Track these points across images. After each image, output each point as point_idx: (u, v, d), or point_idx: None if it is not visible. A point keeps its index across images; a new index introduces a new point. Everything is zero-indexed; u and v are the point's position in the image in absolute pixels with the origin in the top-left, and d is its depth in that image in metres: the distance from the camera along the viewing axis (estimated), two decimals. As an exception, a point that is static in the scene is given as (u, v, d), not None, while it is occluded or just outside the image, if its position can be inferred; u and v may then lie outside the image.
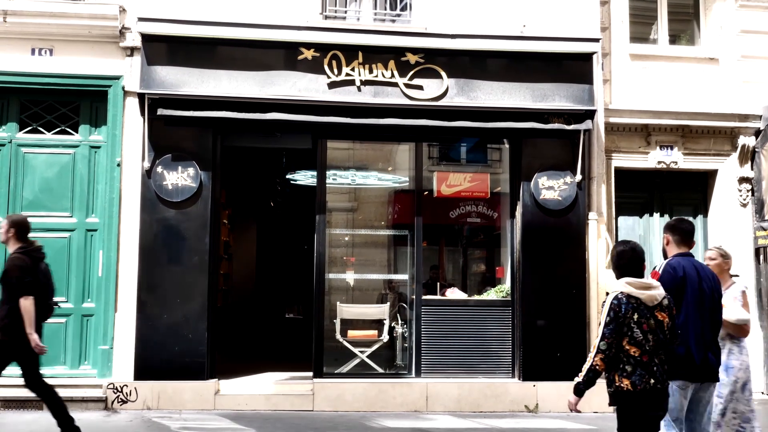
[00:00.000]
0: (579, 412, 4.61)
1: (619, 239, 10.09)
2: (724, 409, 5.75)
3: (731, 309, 5.65)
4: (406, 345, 9.06)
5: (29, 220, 6.55)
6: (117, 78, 8.67)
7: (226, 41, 8.48)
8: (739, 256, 10.08)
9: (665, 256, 5.20)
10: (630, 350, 4.32)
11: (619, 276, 4.49)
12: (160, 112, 8.31)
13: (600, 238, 9.19)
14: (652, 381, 4.31)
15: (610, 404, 4.52)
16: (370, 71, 8.66)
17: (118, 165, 8.62)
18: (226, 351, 10.94)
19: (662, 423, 4.64)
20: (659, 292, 4.41)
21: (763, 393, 9.96)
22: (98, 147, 8.82)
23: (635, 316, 4.31)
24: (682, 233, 5.08)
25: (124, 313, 8.44)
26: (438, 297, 9.14)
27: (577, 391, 4.46)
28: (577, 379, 4.45)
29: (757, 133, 10.14)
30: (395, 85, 8.69)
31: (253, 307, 14.75)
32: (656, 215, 10.47)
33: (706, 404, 4.97)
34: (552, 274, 8.95)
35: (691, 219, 8.76)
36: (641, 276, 4.45)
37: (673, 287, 4.70)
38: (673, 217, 5.72)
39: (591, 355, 4.41)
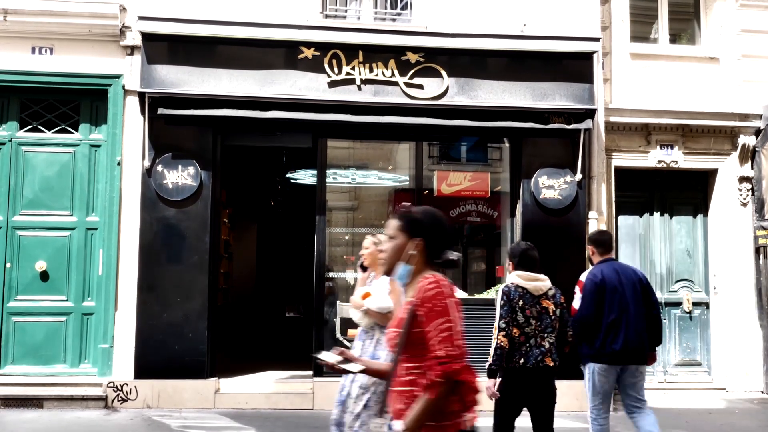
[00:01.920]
0: (497, 395, 5.13)
1: (619, 238, 10.14)
2: (368, 400, 5.36)
3: (375, 297, 5.47)
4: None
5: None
6: (117, 77, 8.68)
7: (226, 40, 8.48)
8: (739, 255, 10.14)
9: (592, 263, 6.00)
10: (513, 331, 5.01)
11: (514, 269, 5.24)
12: (161, 111, 8.31)
13: (600, 237, 9.18)
14: (522, 361, 5.00)
15: (490, 377, 5.12)
16: (371, 70, 8.67)
17: (119, 164, 8.63)
18: (226, 350, 10.95)
19: (588, 395, 5.64)
20: (545, 284, 5.17)
21: (762, 392, 9.97)
22: (98, 146, 8.82)
23: (521, 303, 5.07)
24: (603, 244, 5.92)
25: (124, 312, 8.45)
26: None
27: (490, 374, 5.05)
28: (488, 363, 5.03)
29: (758, 132, 10.14)
30: (395, 84, 8.69)
31: (253, 306, 14.75)
32: (656, 214, 10.48)
33: (634, 383, 5.69)
34: (552, 273, 8.82)
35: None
36: (532, 271, 5.16)
37: (594, 290, 5.60)
38: (594, 230, 6.47)
39: (494, 336, 5.03)
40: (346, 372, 3.18)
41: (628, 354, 5.58)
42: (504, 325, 5.03)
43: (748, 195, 10.22)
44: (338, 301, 9.08)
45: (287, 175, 12.42)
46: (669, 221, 10.51)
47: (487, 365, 5.05)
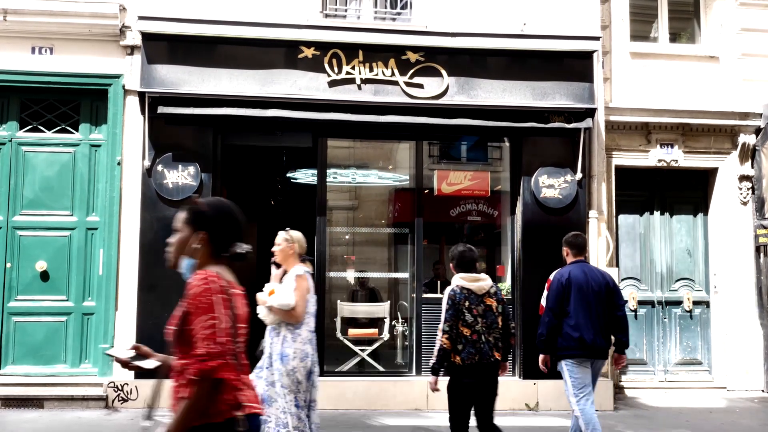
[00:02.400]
0: (438, 390, 5.41)
1: (620, 237, 10.14)
2: (295, 399, 5.41)
3: (278, 294, 5.49)
4: (407, 343, 9.07)
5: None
6: (117, 76, 8.68)
7: (226, 40, 8.48)
8: (739, 254, 10.14)
9: (565, 263, 6.33)
10: (463, 331, 5.30)
11: (456, 271, 5.53)
12: (161, 110, 8.31)
13: (600, 236, 9.19)
14: (477, 357, 5.28)
15: (447, 374, 5.39)
16: (371, 70, 8.66)
17: (119, 164, 8.63)
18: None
19: (572, 399, 5.93)
20: (487, 283, 5.48)
21: (763, 391, 9.98)
22: (99, 146, 8.82)
23: (467, 303, 5.34)
24: (576, 246, 6.32)
25: (124, 312, 8.45)
26: (439, 295, 9.12)
27: (433, 371, 5.38)
28: (432, 361, 5.35)
29: (758, 131, 10.14)
30: (395, 83, 8.69)
31: (252, 305, 14.73)
32: (657, 213, 10.48)
33: (595, 376, 6.09)
34: (552, 272, 8.93)
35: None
36: (471, 271, 5.49)
37: (560, 289, 5.97)
38: (571, 233, 6.59)
39: (438, 338, 5.32)
40: (140, 369, 3.13)
41: (595, 349, 5.95)
42: (447, 328, 5.30)
43: (748, 194, 10.22)
44: (338, 301, 9.09)
45: (287, 175, 12.40)
46: (669, 220, 10.51)
47: (431, 363, 5.39)
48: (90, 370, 8.59)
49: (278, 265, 5.80)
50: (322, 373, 8.63)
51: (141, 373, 3.11)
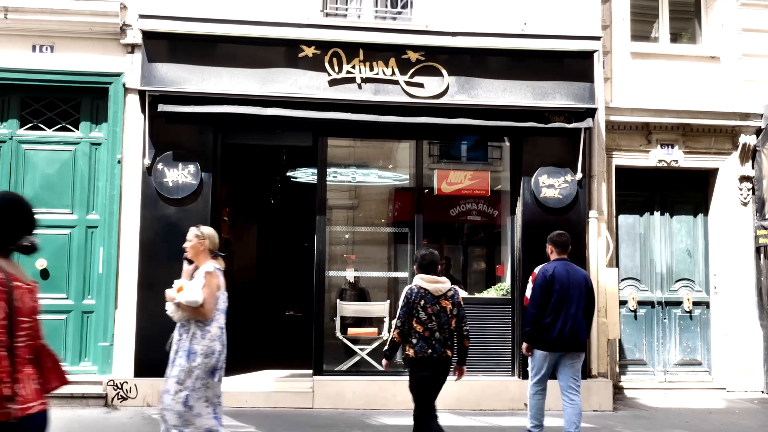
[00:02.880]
0: (389, 370, 6.19)
1: (620, 238, 10.14)
2: (186, 397, 5.39)
3: (186, 291, 5.45)
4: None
5: None
6: (118, 75, 8.68)
7: (226, 38, 8.48)
8: (739, 255, 10.14)
9: (549, 260, 6.75)
10: (416, 327, 5.73)
11: (417, 272, 5.91)
12: (161, 108, 8.31)
13: (600, 236, 9.19)
14: (429, 351, 5.71)
15: (405, 366, 5.96)
16: (371, 69, 8.66)
17: (119, 162, 8.63)
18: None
19: (529, 380, 6.64)
20: (444, 286, 5.84)
21: (763, 392, 9.98)
22: (99, 144, 8.82)
23: (422, 302, 5.73)
24: (561, 245, 6.71)
25: (124, 310, 8.45)
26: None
27: (385, 357, 6.02)
28: (385, 350, 6.01)
29: (758, 131, 10.14)
30: (396, 82, 8.68)
31: (253, 305, 14.73)
32: (657, 214, 10.48)
33: (570, 367, 6.55)
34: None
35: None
36: (432, 274, 5.85)
37: (543, 284, 6.43)
38: (555, 232, 6.93)
39: (392, 331, 5.84)
40: None
41: (562, 343, 6.43)
42: (399, 324, 5.79)
43: (748, 194, 10.22)
44: (338, 300, 9.08)
45: (287, 174, 12.41)
46: (669, 220, 10.51)
47: (384, 351, 6.05)
48: (89, 368, 8.59)
49: (190, 262, 5.71)
50: (321, 372, 8.69)
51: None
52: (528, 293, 6.89)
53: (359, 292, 9.48)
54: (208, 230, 5.76)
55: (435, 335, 5.73)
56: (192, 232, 5.71)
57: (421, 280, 5.83)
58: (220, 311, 5.63)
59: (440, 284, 5.84)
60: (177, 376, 5.44)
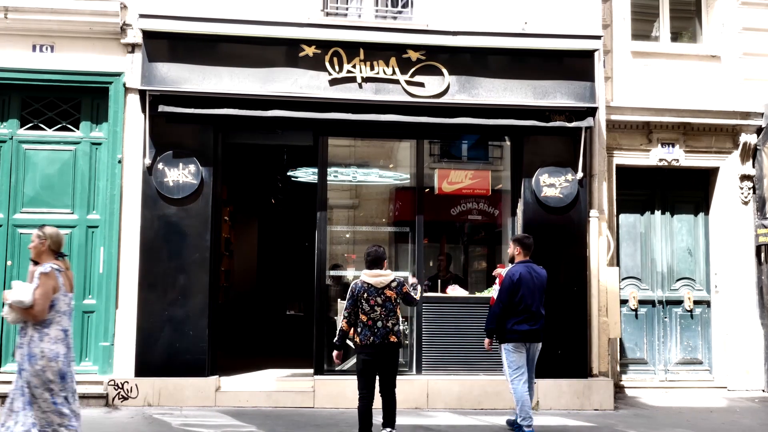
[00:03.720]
0: (340, 362, 6.95)
1: (620, 237, 10.14)
2: (52, 397, 5.26)
3: (15, 291, 5.30)
4: (407, 342, 9.05)
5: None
6: (118, 75, 8.67)
7: (227, 38, 8.47)
8: (740, 254, 10.14)
9: (512, 261, 7.44)
10: (361, 317, 6.46)
11: (366, 267, 6.62)
12: (161, 109, 8.30)
13: (601, 235, 9.19)
14: (372, 338, 6.42)
15: (353, 352, 6.82)
16: (372, 68, 8.65)
17: (119, 162, 8.63)
18: (227, 348, 10.95)
19: (507, 377, 7.21)
20: (387, 278, 6.56)
21: (763, 391, 9.98)
22: (99, 144, 8.82)
23: (365, 295, 6.46)
24: (527, 247, 7.38)
25: (125, 310, 8.45)
26: (439, 294, 9.14)
27: (336, 347, 6.69)
28: (335, 340, 6.66)
29: (759, 130, 10.14)
30: (396, 82, 8.68)
31: (254, 304, 14.74)
32: (657, 213, 10.48)
33: (532, 358, 7.29)
34: (553, 271, 8.89)
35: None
36: (379, 269, 6.56)
37: (510, 287, 7.10)
38: (522, 233, 7.82)
39: (339, 321, 6.60)
40: None
41: (530, 334, 7.16)
42: (346, 314, 6.54)
43: (749, 193, 10.22)
44: (339, 299, 9.08)
45: (288, 173, 12.40)
46: (670, 219, 10.50)
47: (334, 341, 6.72)
48: (90, 368, 8.59)
49: (36, 263, 5.55)
50: (322, 372, 8.68)
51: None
52: (494, 293, 7.44)
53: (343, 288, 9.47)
54: (51, 230, 5.60)
55: (377, 324, 6.46)
56: (35, 232, 5.59)
57: (365, 275, 6.58)
58: (60, 313, 5.42)
59: (383, 277, 6.56)
60: (30, 381, 5.25)
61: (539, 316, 7.22)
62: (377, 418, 6.64)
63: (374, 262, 6.61)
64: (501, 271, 7.58)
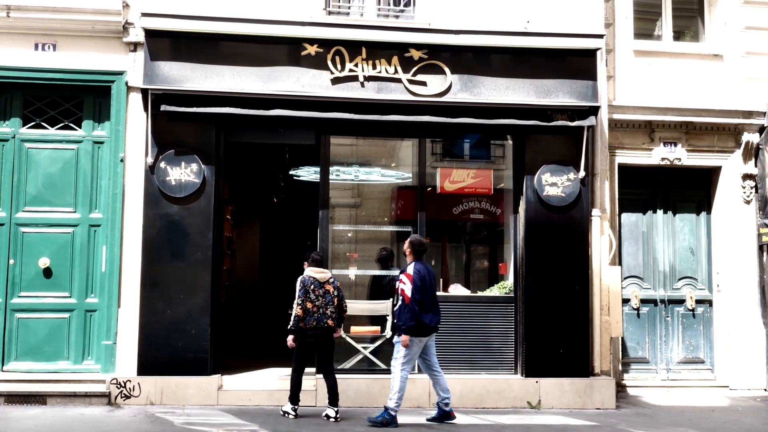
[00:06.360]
0: (293, 346, 7.80)
1: (623, 236, 10.14)
2: None
3: None
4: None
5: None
6: (120, 73, 8.68)
7: (229, 37, 8.48)
8: (742, 253, 10.14)
9: (411, 260, 7.88)
10: (307, 305, 7.69)
11: (309, 265, 7.93)
12: (164, 108, 8.30)
13: (603, 234, 9.18)
14: (315, 323, 7.70)
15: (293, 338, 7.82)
16: (374, 67, 8.65)
17: (122, 160, 8.63)
18: (229, 346, 10.96)
19: (398, 365, 7.64)
20: (328, 276, 7.92)
21: (765, 390, 9.98)
22: (101, 142, 8.83)
23: (312, 287, 7.75)
24: (421, 252, 7.93)
25: (127, 309, 8.46)
26: (441, 293, 9.13)
27: (291, 333, 7.79)
28: (290, 327, 7.75)
29: (761, 129, 10.13)
30: (399, 81, 8.68)
31: (256, 303, 14.75)
32: (660, 212, 10.47)
33: (432, 346, 7.87)
34: (555, 270, 8.94)
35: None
36: (319, 267, 7.94)
37: (421, 284, 7.62)
38: (417, 237, 8.17)
39: (294, 309, 7.70)
40: None
41: (436, 327, 7.81)
42: (300, 302, 7.69)
43: (751, 192, 10.21)
44: (341, 298, 9.08)
45: (290, 172, 12.40)
46: (672, 219, 10.50)
47: (288, 327, 7.75)
48: (93, 366, 8.60)
49: None
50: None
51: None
52: (408, 292, 7.62)
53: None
54: None
55: (320, 311, 7.73)
56: None
57: (312, 271, 7.85)
58: None
59: (325, 274, 7.91)
60: None
61: (438, 309, 7.86)
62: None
63: (319, 262, 8.01)
64: (410, 270, 7.77)
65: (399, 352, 7.64)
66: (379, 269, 9.36)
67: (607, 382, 8.88)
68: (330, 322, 7.80)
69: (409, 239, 8.05)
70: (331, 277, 7.97)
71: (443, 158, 9.84)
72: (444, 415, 7.81)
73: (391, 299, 9.23)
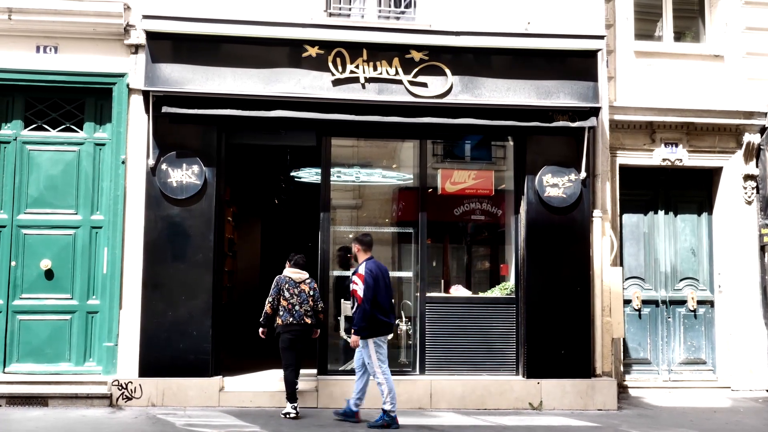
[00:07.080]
0: (264, 337, 8.19)
1: (624, 237, 10.14)
2: None
3: None
4: (411, 342, 9.07)
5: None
6: (122, 75, 8.69)
7: (230, 39, 8.48)
8: (744, 254, 10.13)
9: (356, 259, 7.97)
10: (282, 303, 7.95)
11: (288, 266, 8.21)
12: (165, 110, 8.32)
13: (604, 235, 9.18)
14: (291, 320, 7.90)
15: (275, 335, 8.06)
16: (375, 69, 8.66)
17: (123, 162, 8.65)
18: (230, 348, 10.96)
19: (377, 369, 7.58)
20: (303, 276, 8.11)
21: (767, 391, 9.96)
22: (103, 144, 8.84)
23: (287, 286, 8.00)
24: (368, 245, 7.91)
25: (128, 310, 8.47)
26: (442, 294, 9.15)
27: (261, 326, 8.15)
28: (261, 320, 8.10)
29: (762, 130, 10.12)
30: (399, 82, 8.68)
31: (257, 304, 14.72)
32: (661, 213, 10.47)
33: (385, 346, 7.78)
34: (556, 271, 8.94)
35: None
36: (301, 268, 8.14)
37: (373, 284, 7.55)
38: (361, 233, 8.30)
39: (266, 305, 7.99)
40: None
41: (392, 326, 7.85)
42: (271, 300, 7.99)
43: (753, 193, 10.21)
44: (342, 300, 9.08)
45: (291, 174, 12.41)
46: (673, 219, 10.50)
47: (260, 320, 8.13)
48: (94, 368, 8.61)
49: None
50: (326, 372, 8.69)
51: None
52: (360, 293, 7.57)
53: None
54: None
55: (295, 308, 7.92)
56: None
57: (288, 272, 8.11)
58: None
59: (301, 274, 8.09)
60: None
61: (393, 308, 7.89)
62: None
63: (297, 264, 8.17)
64: (361, 269, 7.73)
65: (370, 357, 7.58)
66: (339, 270, 9.26)
67: (609, 383, 8.88)
68: (307, 319, 7.97)
69: (354, 238, 8.14)
70: (308, 278, 8.12)
71: (444, 159, 9.84)
72: (349, 414, 7.79)
73: (392, 300, 9.24)
